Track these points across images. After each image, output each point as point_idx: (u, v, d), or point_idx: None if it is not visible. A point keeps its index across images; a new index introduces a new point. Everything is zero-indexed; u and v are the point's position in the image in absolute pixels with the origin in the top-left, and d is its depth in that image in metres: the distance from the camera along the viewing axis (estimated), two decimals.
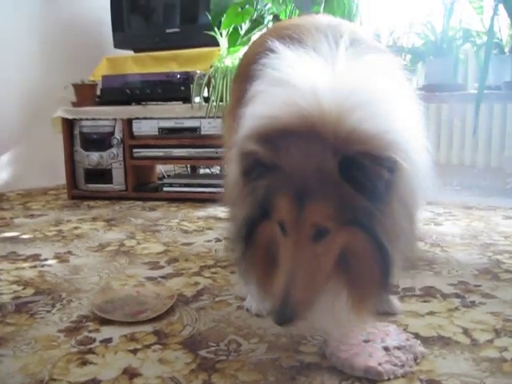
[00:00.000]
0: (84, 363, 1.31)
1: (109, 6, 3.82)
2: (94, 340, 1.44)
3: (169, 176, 3.84)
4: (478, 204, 3.10)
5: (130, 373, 1.26)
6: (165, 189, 3.43)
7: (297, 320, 1.04)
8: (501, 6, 2.27)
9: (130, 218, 2.95)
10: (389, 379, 1.20)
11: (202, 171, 4.03)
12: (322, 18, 1.51)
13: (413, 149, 1.10)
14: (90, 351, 1.38)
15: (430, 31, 2.44)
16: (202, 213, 3.03)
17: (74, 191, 3.57)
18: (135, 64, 3.65)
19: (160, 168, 3.97)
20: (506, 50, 2.29)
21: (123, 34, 3.83)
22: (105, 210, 3.20)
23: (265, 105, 1.12)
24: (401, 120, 1.11)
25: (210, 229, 2.65)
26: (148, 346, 1.39)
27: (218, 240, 2.43)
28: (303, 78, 1.10)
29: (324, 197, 1.03)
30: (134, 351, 1.37)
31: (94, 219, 2.93)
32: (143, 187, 3.53)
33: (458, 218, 2.79)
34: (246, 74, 1.49)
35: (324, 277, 1.07)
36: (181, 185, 3.42)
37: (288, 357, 1.32)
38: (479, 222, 2.67)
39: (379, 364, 1.22)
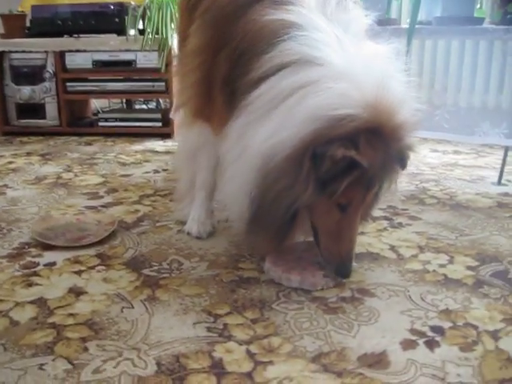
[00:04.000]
0: (29, 285, 1.34)
1: None
2: (38, 264, 1.47)
3: (104, 111, 3.78)
4: None
5: (76, 291, 1.30)
6: (100, 124, 3.39)
7: None
8: None
9: (66, 152, 2.92)
10: (322, 289, 1.30)
11: (137, 106, 4.00)
12: None
13: None
14: (35, 274, 1.40)
15: None
16: (139, 146, 3.03)
17: (5, 127, 3.47)
18: None
19: (94, 103, 3.90)
20: None
21: None
22: (39, 145, 3.15)
23: (328, 100, 1.13)
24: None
25: (147, 161, 2.67)
26: (92, 268, 1.44)
27: (156, 171, 2.46)
28: (353, 68, 1.16)
29: (379, 182, 1.25)
30: (79, 272, 1.41)
31: (29, 154, 2.88)
32: (78, 122, 3.47)
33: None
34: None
35: None
36: (117, 119, 3.39)
37: (228, 273, 1.40)
38: None
39: (313, 276, 1.31)
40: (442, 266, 1.44)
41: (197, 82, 1.44)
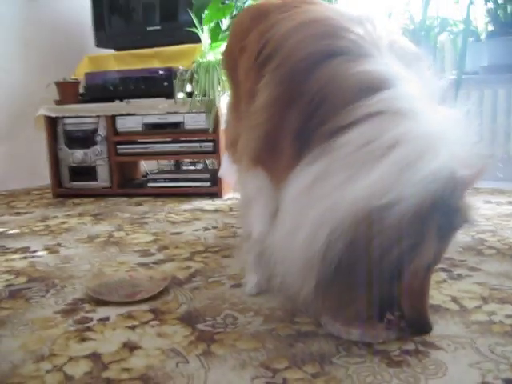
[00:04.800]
0: (83, 339, 1.33)
1: (89, 5, 3.83)
2: (92, 319, 1.46)
3: (152, 172, 3.85)
4: None
5: (130, 346, 1.28)
6: (150, 184, 3.45)
7: None
8: None
9: (117, 212, 2.96)
10: (384, 342, 1.24)
11: (185, 167, 4.06)
12: (350, 11, 1.38)
13: None
14: (88, 329, 1.39)
15: (409, 20, 2.50)
16: (187, 206, 3.05)
17: (58, 189, 3.56)
18: (117, 62, 3.66)
19: (144, 165, 3.98)
20: (482, 37, 2.36)
21: (104, 33, 3.83)
22: (91, 206, 3.21)
23: (446, 163, 1.11)
24: None
25: (197, 219, 2.67)
26: (146, 323, 1.42)
27: (206, 229, 2.45)
28: (445, 128, 1.15)
29: None
30: (132, 327, 1.39)
31: (81, 214, 2.93)
32: (128, 183, 3.54)
33: None
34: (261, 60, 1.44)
35: None
36: (165, 180, 3.44)
37: (284, 327, 1.35)
38: None
39: (374, 328, 1.26)
40: (508, 316, 1.37)
41: (265, 133, 1.40)
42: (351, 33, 1.26)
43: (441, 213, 1.12)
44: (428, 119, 1.15)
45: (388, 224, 1.09)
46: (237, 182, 1.77)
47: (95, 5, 3.82)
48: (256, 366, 1.16)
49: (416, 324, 1.26)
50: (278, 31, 1.41)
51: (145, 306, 1.53)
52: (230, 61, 1.80)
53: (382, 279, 1.15)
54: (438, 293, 1.54)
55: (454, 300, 1.49)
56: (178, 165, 3.99)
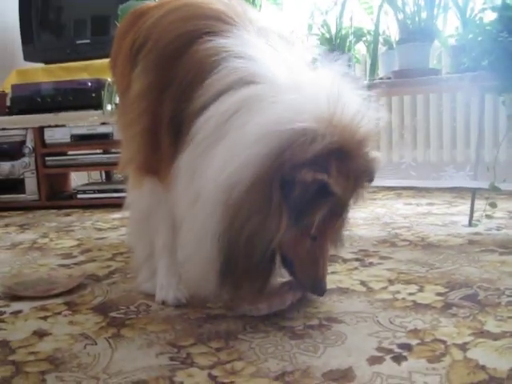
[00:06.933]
0: None
1: (18, 19, 3.80)
2: (4, 313, 1.45)
3: (83, 184, 3.82)
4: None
5: (40, 333, 1.28)
6: (79, 196, 3.42)
7: None
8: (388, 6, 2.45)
9: (44, 222, 2.92)
10: (290, 319, 1.28)
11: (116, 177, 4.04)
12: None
13: None
14: (0, 321, 1.38)
15: (325, 30, 2.61)
16: (117, 215, 3.04)
17: None
18: (46, 75, 3.63)
19: (74, 179, 3.94)
20: (394, 45, 2.48)
21: (33, 47, 3.81)
22: (18, 218, 3.15)
23: (280, 114, 1.09)
24: None
25: (124, 226, 2.67)
26: (58, 313, 1.42)
27: None
28: (301, 83, 1.15)
29: (350, 206, 1.24)
30: (45, 318, 1.39)
31: (7, 225, 2.88)
32: (57, 195, 3.50)
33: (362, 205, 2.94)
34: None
35: None
36: (95, 191, 3.42)
37: (195, 311, 1.38)
38: (382, 208, 2.82)
39: (280, 296, 1.31)
40: (411, 294, 1.44)
41: (144, 128, 1.32)
42: (220, 12, 1.29)
43: (287, 181, 1.09)
44: (275, 80, 1.15)
45: (236, 203, 1.11)
46: (127, 198, 1.57)
47: (23, 18, 3.79)
48: (162, 344, 1.18)
49: (310, 287, 1.28)
50: (149, 21, 1.41)
51: (60, 300, 1.53)
52: (113, 67, 1.69)
53: (257, 254, 1.15)
54: (348, 278, 1.60)
55: (363, 283, 1.55)
56: (108, 176, 3.96)
